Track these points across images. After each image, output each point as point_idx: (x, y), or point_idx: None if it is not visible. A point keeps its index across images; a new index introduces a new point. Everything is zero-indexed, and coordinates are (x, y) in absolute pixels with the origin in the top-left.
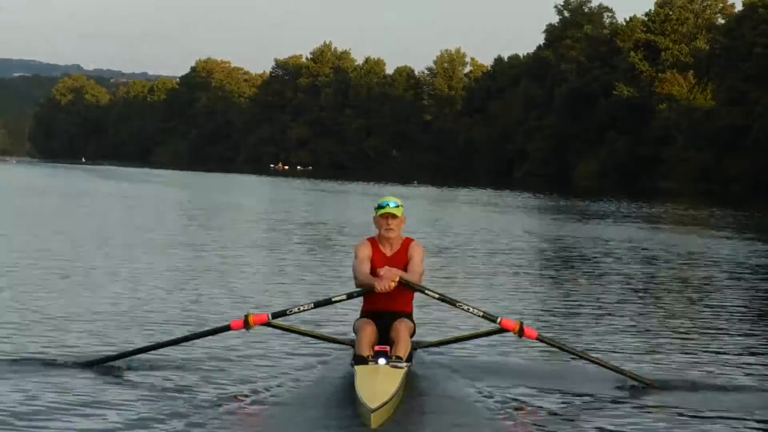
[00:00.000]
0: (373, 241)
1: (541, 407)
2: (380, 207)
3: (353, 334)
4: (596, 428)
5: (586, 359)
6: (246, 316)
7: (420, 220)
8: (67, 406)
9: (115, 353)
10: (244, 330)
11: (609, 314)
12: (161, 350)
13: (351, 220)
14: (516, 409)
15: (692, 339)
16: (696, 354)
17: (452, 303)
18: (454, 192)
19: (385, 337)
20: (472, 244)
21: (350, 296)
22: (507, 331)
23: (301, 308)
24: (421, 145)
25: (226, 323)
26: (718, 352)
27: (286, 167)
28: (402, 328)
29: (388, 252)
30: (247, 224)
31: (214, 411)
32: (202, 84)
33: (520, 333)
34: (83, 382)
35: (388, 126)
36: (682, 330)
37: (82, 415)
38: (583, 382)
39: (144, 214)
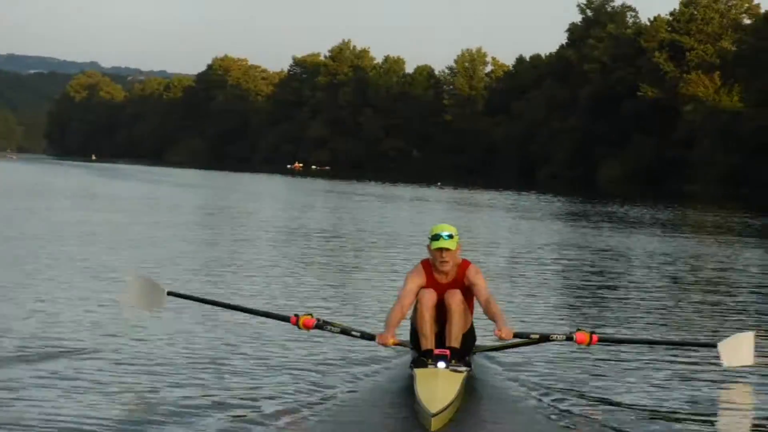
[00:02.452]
0: (428, 267)
1: (595, 418)
2: (434, 239)
3: (405, 338)
4: None
5: (650, 342)
6: (297, 316)
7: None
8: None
9: (180, 292)
10: (296, 327)
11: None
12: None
13: (380, 229)
14: (574, 421)
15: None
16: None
17: (546, 339)
18: (476, 195)
19: (442, 313)
20: (497, 255)
21: (363, 336)
22: (579, 344)
23: (335, 328)
24: (441, 145)
25: (286, 315)
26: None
27: (302, 166)
28: (454, 302)
29: (443, 280)
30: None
31: (273, 419)
32: (219, 82)
33: (589, 343)
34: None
35: (408, 126)
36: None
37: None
38: (639, 393)
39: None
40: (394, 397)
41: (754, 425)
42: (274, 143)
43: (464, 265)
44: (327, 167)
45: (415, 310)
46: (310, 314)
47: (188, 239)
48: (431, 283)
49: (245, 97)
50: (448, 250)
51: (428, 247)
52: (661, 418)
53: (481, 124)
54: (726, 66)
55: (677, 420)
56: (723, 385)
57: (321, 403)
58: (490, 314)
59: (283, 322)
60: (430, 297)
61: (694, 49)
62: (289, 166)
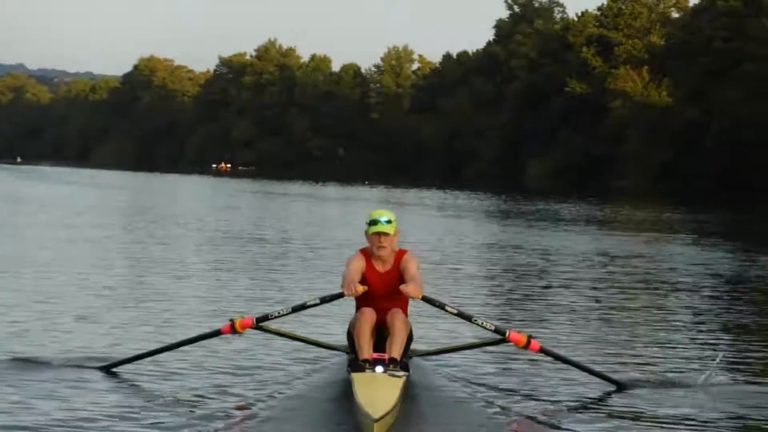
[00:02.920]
0: (366, 255)
1: (534, 417)
2: (372, 223)
3: (345, 341)
4: None
5: (586, 371)
6: (232, 321)
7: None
8: (55, 415)
9: (105, 363)
10: (232, 335)
11: (576, 320)
12: (147, 359)
13: (310, 230)
14: (513, 419)
15: (659, 341)
16: (663, 356)
17: (468, 318)
18: (405, 193)
19: (382, 339)
20: (426, 259)
21: (323, 300)
22: (511, 343)
23: (281, 312)
24: (368, 143)
25: (216, 329)
26: (684, 351)
27: (229, 166)
28: (397, 320)
29: (381, 268)
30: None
31: (205, 425)
32: (145, 82)
33: (527, 346)
34: (70, 390)
35: (335, 124)
36: (646, 333)
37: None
38: (581, 391)
39: None
40: (330, 402)
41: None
42: (200, 144)
43: (400, 254)
44: (252, 167)
45: (354, 319)
46: (241, 317)
47: (103, 246)
48: (370, 271)
49: (171, 97)
50: (386, 234)
51: (366, 233)
52: (604, 413)
53: (408, 122)
54: (655, 60)
55: (616, 410)
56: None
57: (251, 408)
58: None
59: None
60: (370, 316)
61: (623, 44)
62: (214, 166)
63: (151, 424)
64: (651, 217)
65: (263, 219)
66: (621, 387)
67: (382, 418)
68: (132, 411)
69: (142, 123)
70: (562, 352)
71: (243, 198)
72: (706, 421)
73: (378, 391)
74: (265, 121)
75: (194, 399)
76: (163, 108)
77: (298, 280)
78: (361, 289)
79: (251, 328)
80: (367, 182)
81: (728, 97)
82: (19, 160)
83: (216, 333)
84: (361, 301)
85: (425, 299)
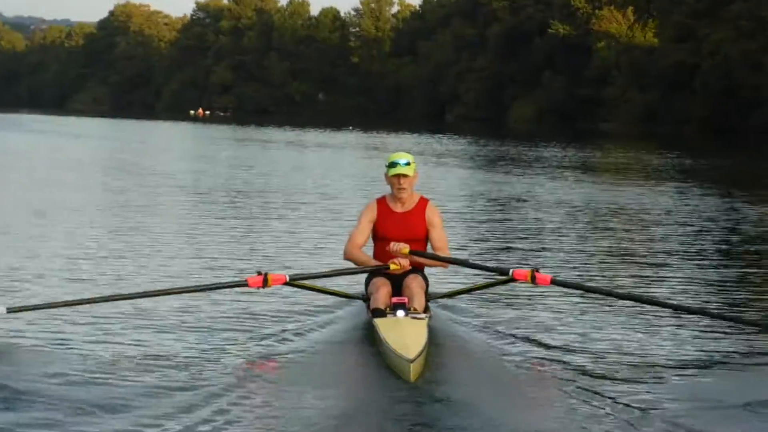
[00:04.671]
0: (382, 201)
1: (562, 360)
2: (391, 165)
3: (362, 289)
4: (617, 380)
5: (602, 293)
6: (265, 274)
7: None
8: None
9: (125, 294)
10: (259, 288)
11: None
12: (160, 305)
13: (306, 183)
14: (536, 363)
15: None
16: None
17: (463, 264)
18: (388, 138)
19: (397, 288)
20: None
21: (363, 271)
22: (519, 281)
23: (317, 274)
24: (348, 88)
25: (243, 279)
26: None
27: (207, 113)
28: (415, 284)
29: (399, 209)
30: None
31: (229, 377)
32: (121, 29)
33: (533, 280)
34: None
35: (314, 69)
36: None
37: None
38: (596, 332)
39: None
40: (355, 346)
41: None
42: (177, 90)
43: (424, 200)
44: (229, 113)
45: (370, 279)
46: (263, 272)
47: (82, 204)
48: (385, 213)
49: (148, 43)
50: (405, 176)
51: (385, 175)
52: (620, 368)
53: (388, 65)
54: (640, 1)
55: (637, 355)
56: (685, 337)
57: (275, 359)
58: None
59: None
60: (385, 289)
61: None
62: (192, 112)
63: (164, 379)
64: (639, 163)
65: (256, 170)
66: (661, 305)
67: (416, 358)
68: (145, 363)
69: (118, 69)
70: (575, 280)
71: (224, 146)
72: None
73: (406, 334)
74: (243, 67)
75: (207, 354)
76: (139, 54)
77: (303, 236)
78: (407, 262)
79: (284, 284)
80: (351, 127)
81: (718, 38)
82: None
83: (242, 284)
84: (378, 247)
85: (413, 253)
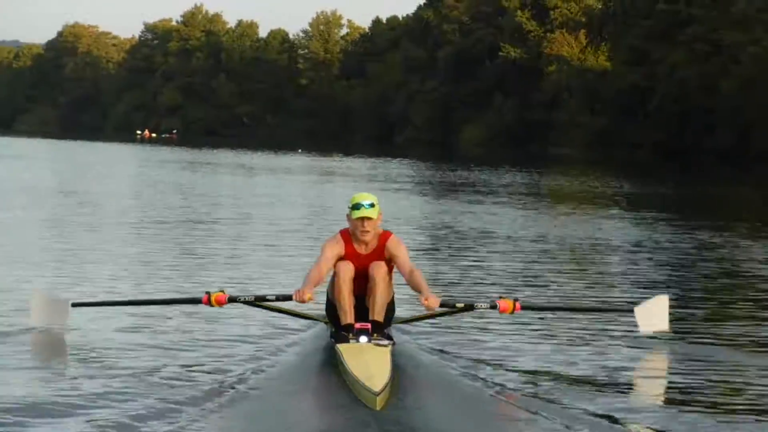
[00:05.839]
0: (346, 237)
1: (523, 389)
2: (355, 207)
3: (323, 312)
4: (580, 408)
5: (570, 309)
6: (208, 293)
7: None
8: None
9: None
10: (208, 306)
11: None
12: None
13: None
14: (502, 388)
15: None
16: None
17: (471, 308)
18: (337, 162)
19: (363, 310)
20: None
21: (278, 298)
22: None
23: (247, 299)
24: (297, 110)
25: (196, 296)
26: None
27: (154, 135)
28: (377, 274)
29: (362, 251)
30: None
31: (188, 406)
32: (70, 49)
33: (513, 311)
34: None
35: (263, 91)
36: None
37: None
38: (559, 360)
39: None
40: (315, 373)
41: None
42: (125, 111)
43: (385, 235)
44: (174, 135)
45: (332, 282)
46: (222, 290)
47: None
48: (350, 253)
49: (96, 64)
50: (369, 219)
51: (348, 216)
52: (580, 383)
53: (336, 88)
54: (592, 24)
55: (607, 383)
56: (639, 351)
57: (231, 385)
58: (414, 284)
59: (194, 304)
60: (347, 269)
61: (558, 8)
62: (138, 133)
63: (125, 404)
64: (589, 190)
65: (203, 195)
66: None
67: (382, 391)
68: (95, 393)
69: (66, 90)
70: (542, 302)
71: (169, 169)
72: None
73: (371, 363)
74: (191, 88)
75: (164, 379)
76: (87, 75)
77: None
78: (308, 298)
79: (226, 303)
80: (299, 150)
81: (672, 61)
82: None
83: (197, 300)
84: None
85: (443, 305)
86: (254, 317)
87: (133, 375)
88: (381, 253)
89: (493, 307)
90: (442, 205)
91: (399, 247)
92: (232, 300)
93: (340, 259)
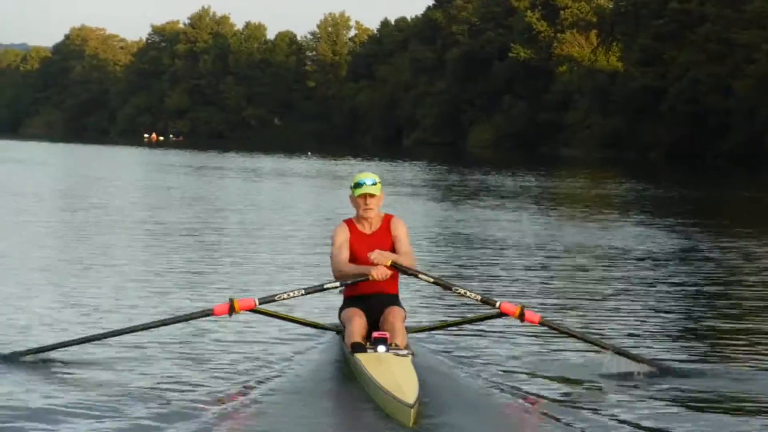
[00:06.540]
0: (350, 223)
1: (546, 396)
2: (357, 186)
3: (339, 321)
4: (607, 416)
5: (589, 342)
6: (231, 301)
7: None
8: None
9: (75, 338)
10: (227, 316)
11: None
12: (130, 339)
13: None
14: (526, 398)
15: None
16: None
17: (448, 287)
18: (344, 165)
19: (373, 320)
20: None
21: (343, 285)
22: (506, 315)
23: (291, 294)
24: (304, 113)
25: (208, 308)
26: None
27: (161, 138)
28: (395, 318)
29: (367, 230)
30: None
31: (202, 415)
32: (77, 52)
33: (521, 317)
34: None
35: (270, 93)
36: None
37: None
38: (585, 368)
39: None
40: (331, 383)
41: None
42: (132, 114)
43: (388, 217)
44: (181, 137)
45: (343, 308)
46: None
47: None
48: (355, 236)
49: (103, 67)
50: (372, 195)
51: (351, 197)
52: (611, 392)
53: (344, 90)
54: (603, 25)
55: (627, 391)
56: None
57: (244, 395)
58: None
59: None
60: (361, 321)
61: (569, 8)
62: (146, 136)
63: (132, 418)
64: (601, 192)
65: (210, 203)
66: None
67: (416, 403)
68: (107, 404)
69: (73, 93)
70: (566, 324)
71: (175, 174)
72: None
73: (396, 373)
74: (199, 91)
75: (174, 389)
76: (94, 78)
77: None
78: (389, 272)
79: (250, 311)
80: (308, 153)
81: (685, 61)
82: None
83: (207, 313)
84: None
85: (394, 266)
86: (261, 322)
87: (127, 387)
88: (385, 233)
89: (491, 303)
90: (460, 212)
91: (402, 228)
92: (265, 302)
93: (354, 312)
